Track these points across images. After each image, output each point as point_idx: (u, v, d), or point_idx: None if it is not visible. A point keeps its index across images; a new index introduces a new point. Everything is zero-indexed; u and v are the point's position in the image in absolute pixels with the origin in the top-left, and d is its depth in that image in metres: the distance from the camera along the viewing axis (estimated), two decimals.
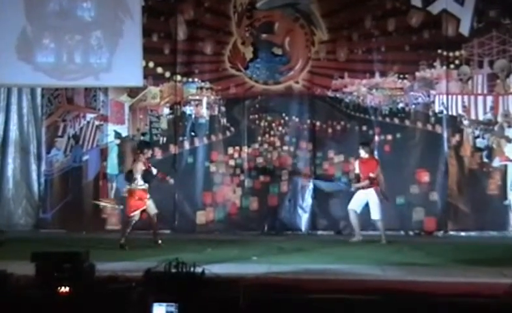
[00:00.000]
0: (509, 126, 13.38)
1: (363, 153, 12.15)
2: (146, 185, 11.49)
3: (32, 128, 14.17)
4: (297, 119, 13.70)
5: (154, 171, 11.74)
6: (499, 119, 13.41)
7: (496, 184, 13.31)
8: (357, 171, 12.22)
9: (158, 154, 13.81)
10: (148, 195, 11.50)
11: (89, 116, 14.04)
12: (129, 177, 11.59)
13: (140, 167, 11.47)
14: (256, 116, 13.78)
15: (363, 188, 11.94)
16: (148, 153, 11.89)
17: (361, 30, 13.60)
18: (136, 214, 11.43)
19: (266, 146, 13.72)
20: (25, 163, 14.17)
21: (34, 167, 14.17)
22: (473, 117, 13.46)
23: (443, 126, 13.41)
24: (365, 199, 11.93)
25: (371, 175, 11.94)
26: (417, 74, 13.51)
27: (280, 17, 13.80)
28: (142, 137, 13.86)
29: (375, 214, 11.90)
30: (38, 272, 6.75)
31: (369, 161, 12.15)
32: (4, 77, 13.41)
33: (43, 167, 14.07)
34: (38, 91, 14.15)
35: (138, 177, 11.41)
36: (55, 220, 13.92)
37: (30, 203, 14.13)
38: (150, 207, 11.57)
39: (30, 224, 13.99)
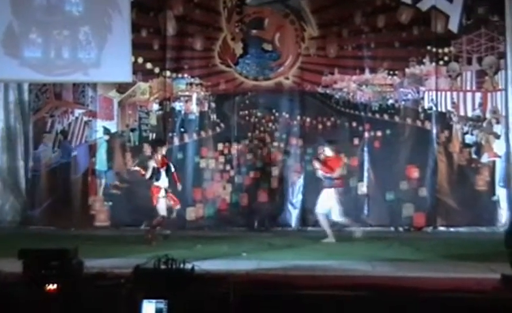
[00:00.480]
0: (498, 123, 13.44)
1: (328, 151, 11.89)
2: (161, 183, 11.45)
3: (20, 124, 14.07)
4: (287, 115, 13.70)
5: (173, 168, 11.79)
6: (488, 115, 13.47)
7: (484, 180, 13.36)
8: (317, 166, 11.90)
9: (147, 150, 13.75)
10: (161, 194, 11.43)
11: (77, 112, 13.96)
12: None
13: (150, 164, 11.50)
14: (246, 112, 13.76)
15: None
16: (163, 150, 11.78)
17: (351, 27, 13.61)
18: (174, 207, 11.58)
19: (256, 142, 13.71)
20: (12, 160, 14.07)
21: (21, 163, 14.07)
22: (462, 113, 13.52)
23: (433, 123, 13.46)
24: (329, 199, 11.66)
25: (334, 175, 11.71)
26: (406, 70, 13.55)
27: (270, 13, 13.78)
28: (131, 133, 13.82)
29: (336, 215, 11.66)
30: (25, 270, 6.69)
31: (333, 160, 11.87)
32: None
33: (30, 163, 13.97)
34: (25, 87, 14.04)
35: (147, 174, 11.46)
36: (42, 216, 13.81)
37: (17, 199, 14.03)
38: (160, 206, 11.49)
39: (18, 221, 13.87)
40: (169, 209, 11.63)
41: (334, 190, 11.68)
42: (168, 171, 11.63)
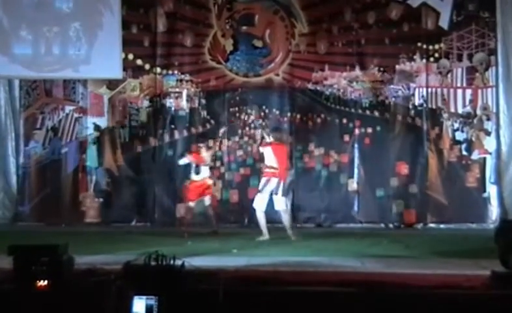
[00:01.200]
0: (488, 119, 13.48)
1: (269, 137, 11.32)
2: (200, 176, 11.91)
3: (10, 121, 14.04)
4: (277, 112, 13.70)
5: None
6: (478, 111, 13.50)
7: (474, 176, 13.40)
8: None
9: (138, 146, 13.77)
10: (203, 186, 11.93)
11: (68, 108, 13.95)
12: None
13: (207, 156, 12.10)
14: (237, 109, 13.76)
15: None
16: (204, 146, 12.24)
17: (341, 23, 13.64)
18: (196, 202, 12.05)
19: (246, 139, 13.70)
20: (2, 156, 14.04)
21: (12, 159, 14.05)
22: (452, 110, 13.55)
23: (423, 119, 13.48)
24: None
25: (274, 164, 11.04)
26: (397, 67, 13.57)
27: (260, 10, 13.78)
28: (121, 130, 13.81)
29: (278, 205, 11.13)
30: (15, 266, 6.66)
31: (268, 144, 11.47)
32: None
33: (21, 160, 13.97)
34: (16, 83, 14.02)
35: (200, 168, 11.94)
36: (33, 212, 13.82)
37: (8, 195, 14.00)
38: (205, 199, 12.05)
39: (8, 217, 13.86)
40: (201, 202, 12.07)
41: (266, 179, 11.10)
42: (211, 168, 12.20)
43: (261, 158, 11.80)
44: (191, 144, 13.65)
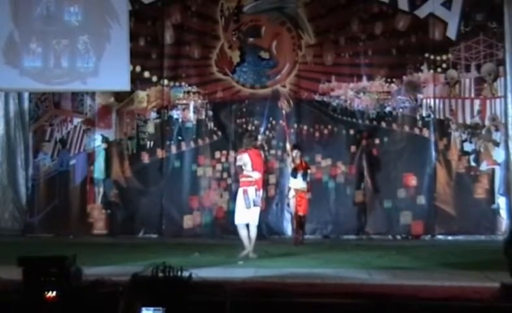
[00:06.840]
0: (497, 130, 13.43)
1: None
2: (292, 184, 12.21)
3: (20, 133, 14.14)
4: (284, 123, 13.68)
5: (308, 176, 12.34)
6: (487, 122, 13.46)
7: (483, 187, 13.34)
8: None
9: (145, 158, 13.80)
10: (291, 194, 12.23)
11: (76, 120, 14.02)
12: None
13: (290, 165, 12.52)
14: (243, 120, 13.77)
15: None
16: (297, 154, 12.34)
17: (348, 34, 13.65)
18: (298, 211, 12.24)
19: None
20: (12, 168, 14.14)
21: (21, 171, 14.15)
22: (460, 120, 13.51)
23: (431, 130, 13.46)
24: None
25: (250, 173, 10.36)
26: (404, 77, 13.56)
27: (267, 21, 13.81)
28: (129, 142, 13.86)
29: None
30: (24, 277, 6.70)
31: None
32: None
33: (30, 172, 14.04)
34: (25, 96, 14.13)
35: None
36: (42, 224, 13.86)
37: (17, 207, 14.09)
38: (291, 206, 12.34)
39: (17, 229, 13.93)
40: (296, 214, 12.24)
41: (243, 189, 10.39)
42: (305, 175, 12.14)
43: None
44: (198, 155, 13.70)
